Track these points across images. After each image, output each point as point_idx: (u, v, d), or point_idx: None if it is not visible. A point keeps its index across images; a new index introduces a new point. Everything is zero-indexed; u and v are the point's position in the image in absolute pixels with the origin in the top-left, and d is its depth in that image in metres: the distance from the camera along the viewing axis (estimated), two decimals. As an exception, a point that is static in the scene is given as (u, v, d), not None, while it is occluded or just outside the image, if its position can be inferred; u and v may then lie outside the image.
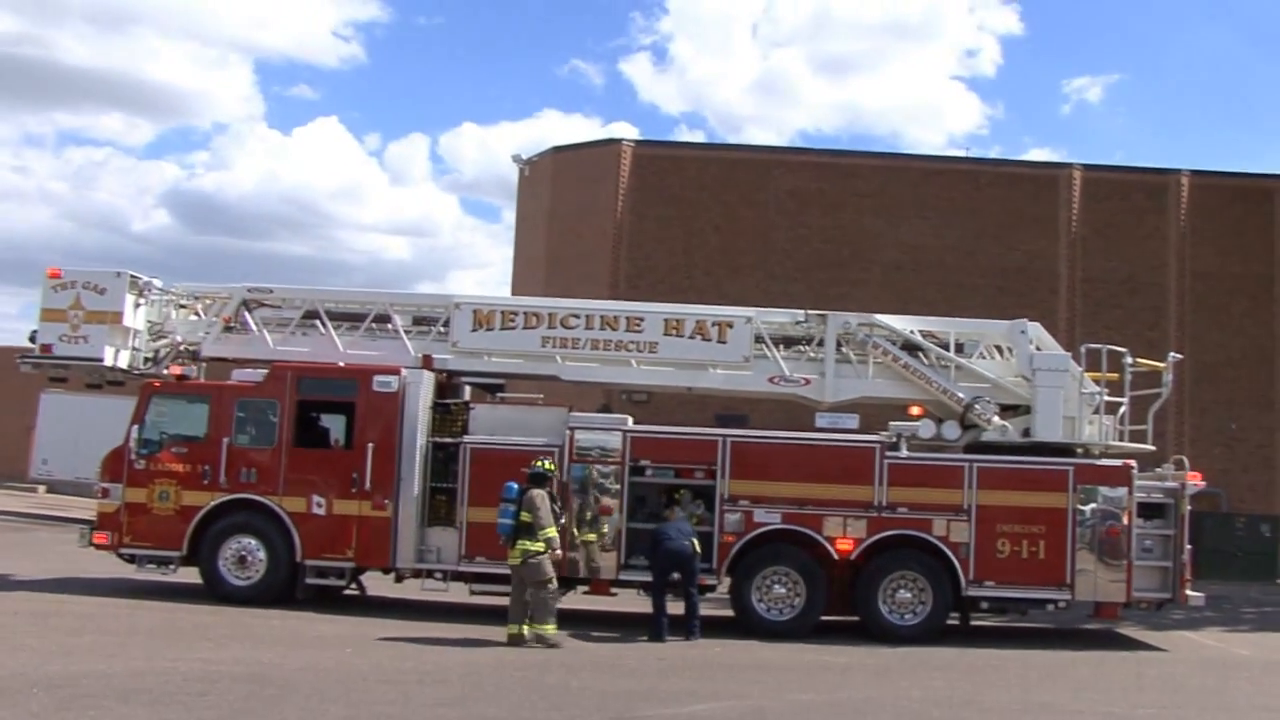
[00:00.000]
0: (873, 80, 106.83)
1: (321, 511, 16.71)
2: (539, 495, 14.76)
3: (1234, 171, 36.79)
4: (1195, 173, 35.36)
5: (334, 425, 17.59)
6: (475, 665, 12.75)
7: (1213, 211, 34.84)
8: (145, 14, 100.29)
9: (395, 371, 17.01)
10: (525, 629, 14.58)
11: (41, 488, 40.18)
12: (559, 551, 15.17)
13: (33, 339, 17.81)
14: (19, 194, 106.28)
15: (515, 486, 14.86)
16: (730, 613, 16.44)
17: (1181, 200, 34.88)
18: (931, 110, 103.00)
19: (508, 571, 15.72)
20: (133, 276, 17.71)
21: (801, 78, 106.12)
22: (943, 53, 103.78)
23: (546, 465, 15.31)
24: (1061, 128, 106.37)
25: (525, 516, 14.60)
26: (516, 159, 38.88)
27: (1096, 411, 17.06)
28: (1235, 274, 34.54)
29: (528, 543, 14.56)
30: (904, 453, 16.47)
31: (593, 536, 16.10)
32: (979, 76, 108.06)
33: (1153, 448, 17.48)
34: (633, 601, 16.41)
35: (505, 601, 16.54)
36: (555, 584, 14.82)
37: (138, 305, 17.86)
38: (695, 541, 15.52)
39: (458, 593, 16.95)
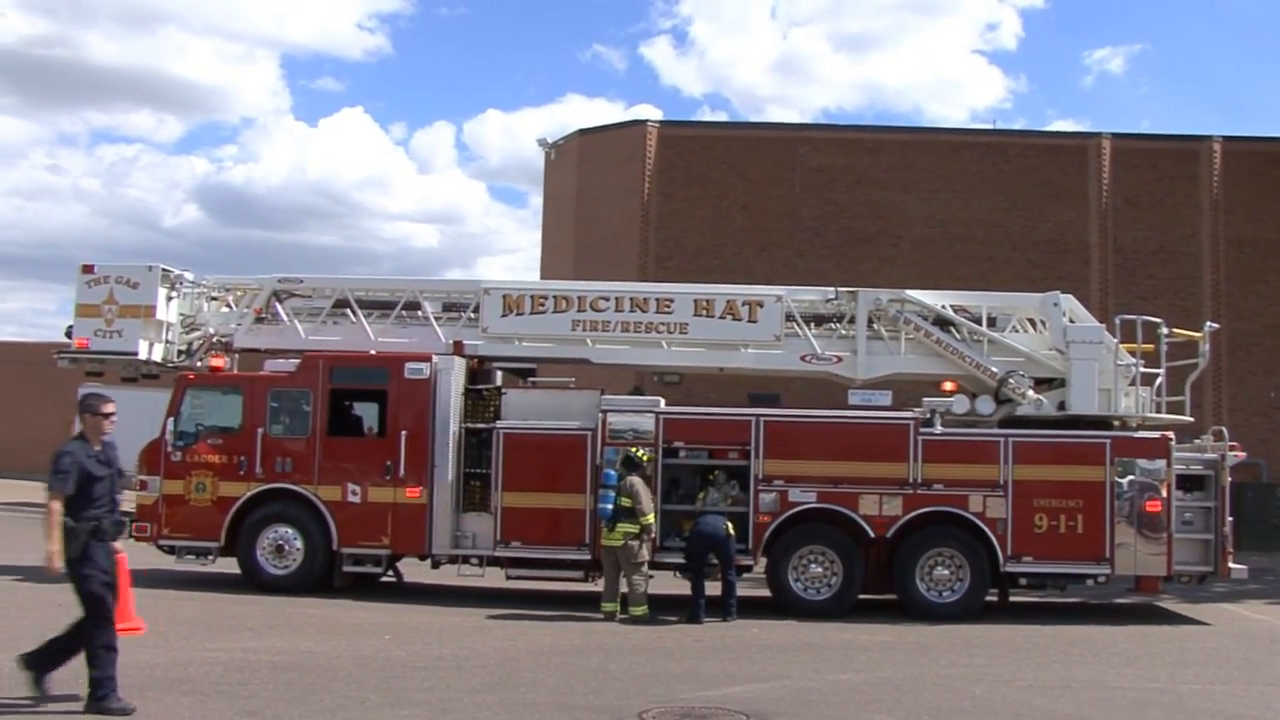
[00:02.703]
0: (893, 57, 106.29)
1: (357, 499, 16.77)
2: (639, 482, 15.44)
3: (1267, 136, 36.34)
4: (1227, 139, 34.95)
5: (367, 413, 17.61)
6: (513, 651, 12.77)
7: (1246, 178, 34.44)
8: (172, 12, 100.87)
9: (426, 358, 17.03)
10: (618, 607, 15.36)
11: (80, 481, 40.51)
12: (656, 537, 15.78)
13: (69, 334, 17.96)
14: (53, 192, 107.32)
15: (614, 474, 15.48)
16: (767, 593, 16.42)
17: (1214, 167, 34.48)
18: (953, 85, 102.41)
19: (543, 556, 16.14)
20: (164, 270, 17.84)
21: (822, 56, 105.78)
22: (963, 27, 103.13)
23: (640, 453, 15.76)
24: (1085, 100, 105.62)
25: (625, 501, 15.25)
26: (542, 143, 38.85)
27: (1132, 383, 16.90)
28: (1270, 240, 34.17)
29: (627, 525, 15.17)
30: (938, 429, 16.36)
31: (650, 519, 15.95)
32: (1000, 50, 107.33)
33: (1191, 419, 17.34)
34: (669, 583, 16.40)
35: (541, 586, 16.83)
36: (646, 567, 15.48)
37: (170, 298, 17.99)
38: (730, 525, 15.53)
39: (494, 578, 16.98)
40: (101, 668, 9.16)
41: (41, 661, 9.42)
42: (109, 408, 9.68)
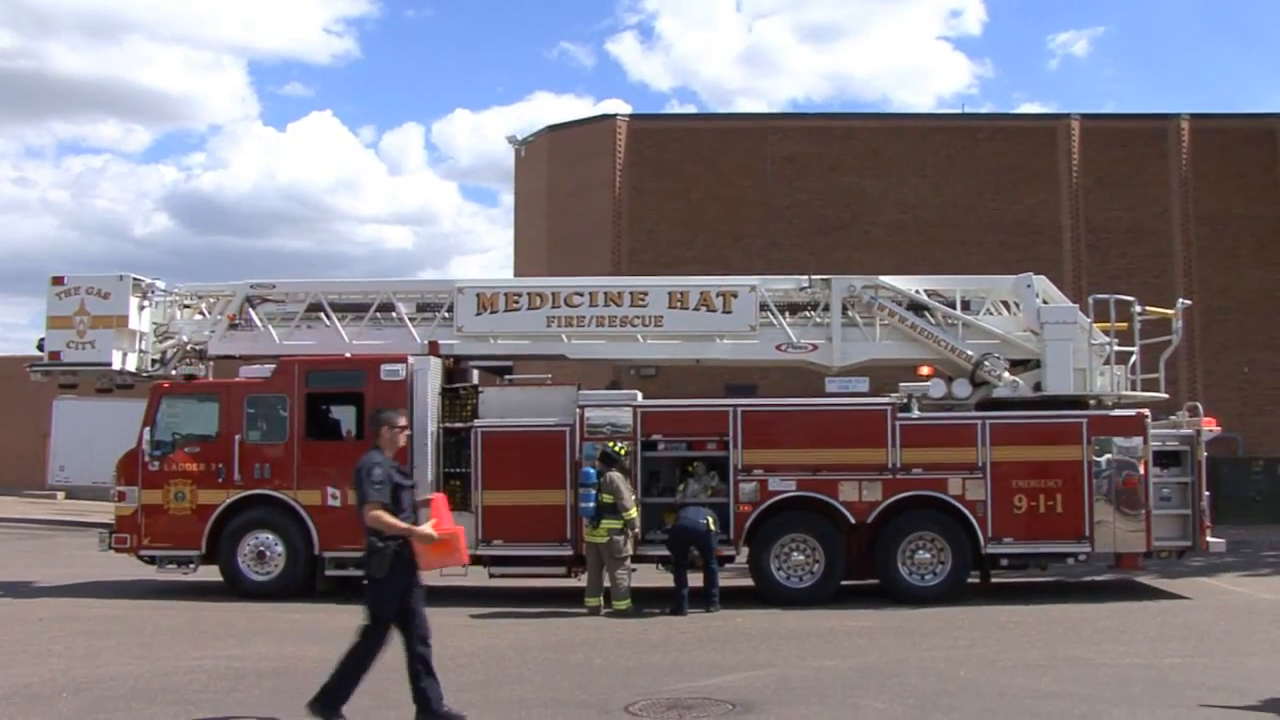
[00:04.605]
0: (858, 46, 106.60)
1: (337, 503, 16.67)
2: (619, 477, 15.46)
3: (1234, 113, 36.61)
4: (1195, 116, 35.12)
5: (344, 416, 17.56)
6: (498, 648, 12.76)
7: (1215, 155, 34.63)
8: (137, 21, 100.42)
9: (402, 359, 16.97)
10: (602, 601, 15.47)
11: (60, 494, 40.28)
12: (638, 531, 15.76)
13: (41, 347, 17.83)
14: (22, 205, 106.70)
15: (592, 471, 15.48)
16: (750, 582, 16.44)
17: (1183, 145, 34.67)
18: (919, 72, 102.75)
19: (525, 553, 16.20)
20: (135, 279, 17.73)
21: (787, 47, 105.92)
22: (927, 14, 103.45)
23: (617, 448, 15.75)
24: (1051, 83, 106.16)
25: (606, 498, 15.26)
26: (512, 140, 38.76)
27: (1107, 362, 16.99)
28: (1241, 216, 34.37)
29: (611, 521, 15.21)
30: (915, 413, 16.40)
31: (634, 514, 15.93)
32: (965, 36, 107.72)
33: (1166, 395, 17.43)
34: (652, 576, 16.41)
35: (524, 583, 16.82)
36: (629, 561, 15.54)
37: (142, 308, 17.89)
38: (712, 519, 15.54)
39: (477, 577, 16.93)
40: (346, 685, 9.04)
41: (331, 699, 9.10)
42: (403, 420, 9.63)
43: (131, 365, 17.83)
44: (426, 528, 9.10)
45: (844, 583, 16.24)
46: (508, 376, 18.56)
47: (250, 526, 16.83)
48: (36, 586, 18.38)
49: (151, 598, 16.88)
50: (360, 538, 16.58)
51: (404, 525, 8.99)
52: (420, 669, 9.15)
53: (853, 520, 16.07)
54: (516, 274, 37.27)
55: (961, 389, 16.82)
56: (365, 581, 9.28)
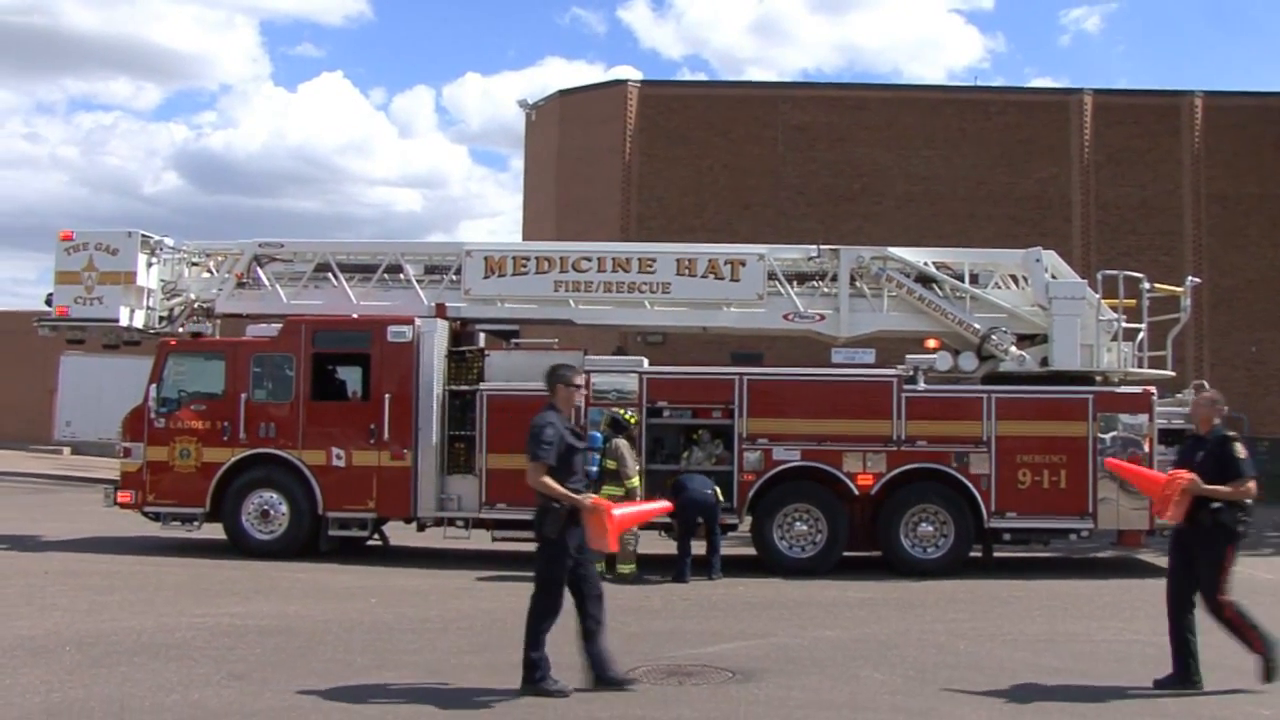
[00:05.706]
0: (871, 17, 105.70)
1: (341, 463, 16.74)
2: (624, 444, 15.40)
3: (1248, 91, 36.34)
4: (1209, 94, 34.89)
5: (350, 377, 17.60)
6: (500, 612, 12.76)
7: (1227, 132, 34.40)
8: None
9: (409, 321, 16.96)
10: (604, 567, 15.13)
11: (66, 449, 40.41)
12: (640, 499, 15.57)
13: (49, 302, 17.85)
14: (32, 161, 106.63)
15: (599, 436, 15.37)
16: (752, 551, 16.47)
17: (1195, 122, 34.45)
18: (931, 45, 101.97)
19: (529, 518, 15.97)
20: (144, 236, 17.72)
21: (799, 17, 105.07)
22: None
23: (627, 415, 15.73)
24: (1063, 58, 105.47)
25: (610, 464, 15.19)
26: (523, 104, 38.60)
27: (1115, 338, 16.93)
28: (1252, 195, 34.18)
29: (612, 488, 14.98)
30: (921, 386, 16.37)
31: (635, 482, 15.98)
32: (977, 9, 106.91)
33: (1172, 373, 17.39)
34: (654, 543, 16.44)
35: (527, 547, 16.73)
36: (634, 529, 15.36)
37: (150, 264, 17.87)
38: (718, 490, 15.55)
39: (479, 540, 17.00)
40: (538, 648, 8.88)
41: (531, 672, 8.91)
42: (580, 379, 9.47)
43: (139, 322, 17.86)
44: (589, 497, 8.97)
45: (846, 554, 16.26)
46: (514, 340, 18.55)
47: (255, 485, 16.87)
48: (41, 541, 18.45)
49: (155, 554, 16.93)
50: (361, 498, 16.94)
51: (561, 490, 8.82)
52: (594, 629, 9.05)
53: (856, 491, 16.08)
54: (525, 238, 37.17)
55: (968, 362, 16.80)
56: (537, 542, 9.16)
